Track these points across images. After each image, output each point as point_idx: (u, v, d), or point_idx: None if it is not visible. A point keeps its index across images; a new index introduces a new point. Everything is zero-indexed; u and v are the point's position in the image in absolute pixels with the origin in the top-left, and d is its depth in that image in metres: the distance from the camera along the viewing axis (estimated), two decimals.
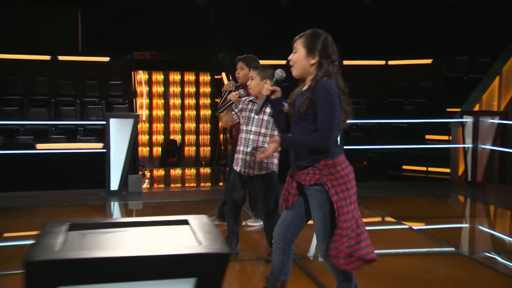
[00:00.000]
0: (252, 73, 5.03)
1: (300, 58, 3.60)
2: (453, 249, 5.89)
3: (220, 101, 6.14)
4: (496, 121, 8.38)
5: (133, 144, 8.23)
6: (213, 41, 14.78)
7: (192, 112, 16.32)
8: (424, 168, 11.34)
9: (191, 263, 1.68)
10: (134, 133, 8.05)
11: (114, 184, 7.89)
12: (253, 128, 5.01)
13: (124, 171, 7.94)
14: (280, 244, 3.83)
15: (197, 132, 16.36)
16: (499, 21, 13.15)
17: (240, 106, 5.07)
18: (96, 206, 7.47)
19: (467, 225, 7.09)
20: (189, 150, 16.45)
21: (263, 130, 4.98)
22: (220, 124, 15.60)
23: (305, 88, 3.62)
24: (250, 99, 5.07)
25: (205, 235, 1.85)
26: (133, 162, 8.97)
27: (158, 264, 1.65)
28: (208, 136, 16.37)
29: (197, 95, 16.34)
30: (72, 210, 7.32)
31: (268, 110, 4.85)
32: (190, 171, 15.14)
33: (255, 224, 6.23)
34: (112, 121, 7.86)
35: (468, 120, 8.52)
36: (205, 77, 16.26)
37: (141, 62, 14.44)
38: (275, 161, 5.07)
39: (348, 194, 3.50)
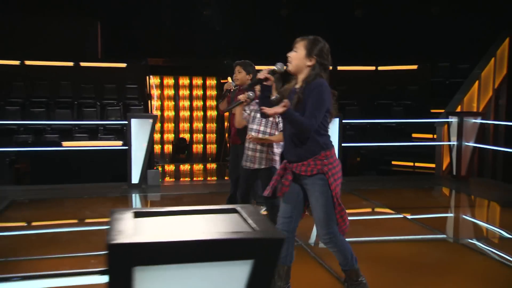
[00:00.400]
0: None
1: (298, 57, 3.63)
2: (444, 236, 5.93)
3: (220, 98, 6.18)
4: (479, 121, 8.41)
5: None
6: (218, 49, 14.82)
7: (200, 113, 16.31)
8: (411, 164, 11.39)
9: (250, 246, 1.69)
10: (152, 132, 8.05)
11: (135, 178, 7.91)
12: (255, 127, 5.01)
13: (144, 166, 7.96)
14: (285, 234, 3.82)
15: (204, 131, 16.35)
16: (478, 31, 13.18)
17: (252, 107, 5.06)
18: (120, 198, 7.47)
19: (455, 215, 7.05)
20: (197, 147, 16.45)
21: (262, 128, 4.98)
22: (226, 124, 15.66)
23: (297, 86, 3.65)
24: (257, 101, 5.10)
25: (257, 222, 1.85)
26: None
27: (221, 247, 1.66)
28: (214, 135, 16.37)
29: (204, 98, 16.34)
30: (99, 201, 7.29)
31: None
32: (198, 166, 15.14)
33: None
34: (133, 121, 7.89)
35: (453, 120, 8.54)
36: (211, 81, 16.26)
37: (154, 67, 14.44)
38: (276, 158, 5.07)
39: (340, 181, 3.62)
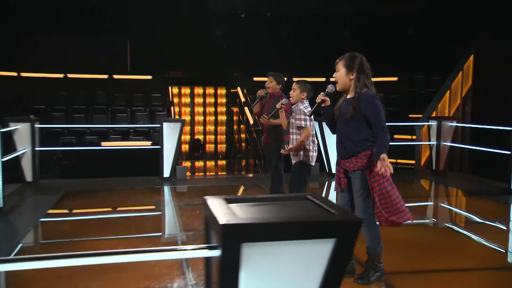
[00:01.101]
0: (294, 86, 5.03)
1: (341, 76, 3.59)
2: (434, 220, 5.98)
3: (254, 103, 6.08)
4: (454, 124, 8.42)
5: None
6: (227, 63, 14.85)
7: (212, 118, 16.27)
8: (394, 160, 11.36)
9: (334, 227, 1.69)
10: (181, 134, 8.04)
11: (166, 173, 7.91)
12: (290, 129, 5.02)
13: (173, 163, 7.95)
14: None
15: (215, 133, 16.31)
16: (447, 48, 13.25)
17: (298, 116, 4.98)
18: (155, 189, 7.42)
19: (438, 203, 7.03)
20: (210, 147, 16.41)
21: (296, 130, 4.96)
22: (235, 126, 15.74)
23: (349, 96, 3.61)
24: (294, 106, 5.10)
25: (331, 207, 1.85)
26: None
27: (310, 227, 1.67)
28: (224, 136, 16.31)
29: (215, 105, 16.32)
30: (138, 191, 7.24)
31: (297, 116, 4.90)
32: (211, 163, 15.16)
33: None
34: (165, 124, 7.91)
35: (433, 123, 8.50)
36: (221, 91, 16.24)
37: (174, 79, 14.56)
38: (310, 154, 4.99)
39: (381, 178, 3.49)
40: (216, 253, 1.67)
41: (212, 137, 16.44)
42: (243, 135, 14.24)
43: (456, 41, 13.41)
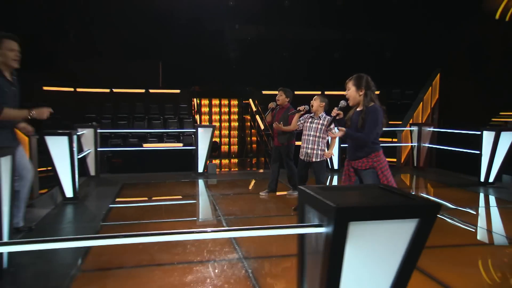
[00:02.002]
0: (315, 97, 5.16)
1: (352, 93, 3.63)
2: None
3: (266, 113, 6.05)
4: (431, 129, 8.47)
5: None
6: (239, 79, 14.90)
7: (226, 124, 16.19)
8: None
9: (419, 208, 1.68)
10: (212, 137, 8.02)
11: (200, 168, 7.89)
12: (312, 132, 5.09)
13: (206, 160, 7.95)
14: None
15: (229, 136, 16.28)
16: (418, 68, 13.31)
17: (303, 119, 5.24)
18: (192, 182, 7.41)
19: (423, 193, 6.98)
20: (224, 148, 16.42)
21: (318, 134, 5.07)
22: (247, 131, 15.75)
23: (359, 109, 3.63)
24: (311, 115, 5.18)
25: (407, 194, 1.84)
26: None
27: (401, 209, 1.67)
28: (236, 139, 16.32)
29: (229, 113, 16.31)
30: (179, 183, 7.25)
31: (321, 122, 5.07)
32: (225, 161, 15.18)
33: (294, 193, 6.10)
34: (200, 129, 7.89)
35: (415, 128, 8.54)
36: (234, 102, 16.19)
37: (197, 92, 14.52)
38: (323, 154, 5.11)
39: (388, 174, 3.58)
40: (324, 230, 1.67)
41: (226, 139, 16.40)
42: (254, 138, 14.30)
43: (425, 60, 13.49)
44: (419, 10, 14.15)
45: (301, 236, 1.90)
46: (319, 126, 5.07)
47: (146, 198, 6.21)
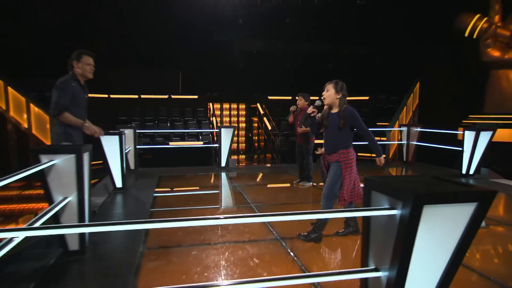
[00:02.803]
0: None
1: (330, 94, 3.52)
2: None
3: (288, 115, 6.20)
4: (418, 129, 8.48)
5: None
6: (247, 87, 14.89)
7: (235, 125, 16.26)
8: (369, 154, 11.38)
9: (479, 193, 1.66)
10: (233, 136, 7.98)
11: (223, 163, 7.88)
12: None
13: (227, 156, 7.92)
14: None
15: (238, 135, 16.29)
16: (401, 76, 13.39)
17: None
18: (216, 174, 7.40)
19: None
20: (233, 146, 16.43)
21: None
22: (254, 131, 15.73)
23: (334, 111, 3.54)
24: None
25: (459, 181, 1.82)
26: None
27: (466, 194, 1.66)
28: (244, 138, 16.34)
29: (238, 116, 16.30)
30: (206, 176, 7.23)
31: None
32: (235, 156, 15.10)
33: (306, 184, 6.10)
34: (223, 129, 7.87)
35: (404, 128, 8.53)
36: (242, 106, 16.19)
37: (211, 97, 14.46)
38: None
39: (351, 171, 3.48)
40: (397, 212, 1.67)
41: (235, 138, 16.42)
42: (261, 137, 14.30)
43: (406, 70, 13.56)
44: (402, 27, 14.20)
45: (367, 218, 1.92)
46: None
47: (182, 188, 6.20)
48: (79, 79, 3.84)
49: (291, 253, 3.41)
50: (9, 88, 8.53)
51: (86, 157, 3.13)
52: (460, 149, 7.05)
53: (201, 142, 10.82)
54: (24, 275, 2.92)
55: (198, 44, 13.90)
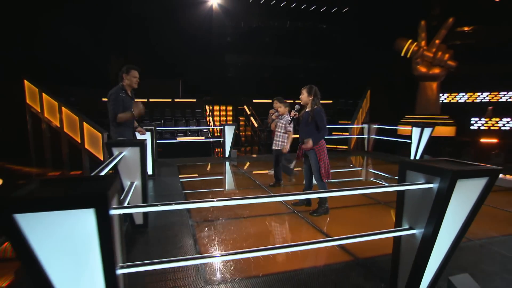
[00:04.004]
0: (280, 105, 4.84)
1: (304, 97, 3.55)
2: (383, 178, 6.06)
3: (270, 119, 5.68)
4: (376, 126, 8.73)
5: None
6: (235, 92, 14.82)
7: (224, 123, 16.17)
8: (335, 146, 11.61)
9: (490, 170, 1.73)
10: (235, 132, 7.89)
11: (226, 154, 7.80)
12: (277, 130, 4.80)
13: (230, 148, 7.85)
14: (307, 183, 3.72)
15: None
16: (356, 84, 13.78)
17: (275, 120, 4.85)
18: (222, 163, 7.28)
19: (373, 169, 6.97)
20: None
21: (281, 130, 4.76)
22: (241, 128, 15.64)
23: (307, 109, 3.58)
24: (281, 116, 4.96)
25: (468, 162, 1.86)
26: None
27: (481, 170, 1.70)
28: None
29: (226, 115, 16.20)
30: (215, 164, 7.09)
31: (281, 121, 4.72)
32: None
33: (271, 171, 5.80)
34: (226, 127, 7.77)
35: (365, 126, 8.76)
36: (229, 107, 16.11)
37: (206, 101, 14.23)
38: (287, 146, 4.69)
39: (324, 155, 3.49)
40: (433, 185, 1.72)
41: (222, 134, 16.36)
42: (248, 133, 14.28)
43: (361, 80, 13.98)
44: (357, 46, 14.63)
45: (401, 192, 1.98)
46: (281, 125, 4.80)
47: (201, 174, 6.09)
48: (126, 89, 3.78)
49: (310, 222, 3.52)
50: (44, 94, 8.06)
51: (144, 149, 3.09)
52: (409, 141, 7.40)
53: (203, 137, 10.68)
54: None
55: (194, 57, 13.71)
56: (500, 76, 14.02)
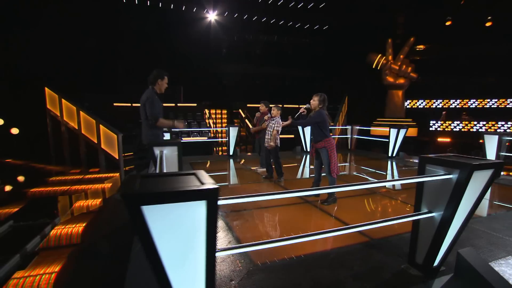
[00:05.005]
0: (274, 107, 4.77)
1: (315, 102, 3.62)
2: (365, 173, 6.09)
3: (257, 121, 5.58)
4: (358, 127, 8.89)
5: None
6: (229, 97, 14.75)
7: (219, 125, 16.03)
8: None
9: (495, 164, 1.81)
10: (239, 132, 7.88)
11: (231, 152, 7.71)
12: (269, 129, 4.72)
13: (234, 147, 7.77)
14: (317, 177, 3.77)
15: (221, 132, 16.08)
16: (335, 90, 14.05)
17: (267, 121, 4.85)
18: (226, 160, 7.15)
19: (355, 164, 6.95)
20: (224, 141, 16.14)
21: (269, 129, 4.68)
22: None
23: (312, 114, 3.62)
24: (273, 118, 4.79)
25: (476, 157, 1.96)
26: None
27: (492, 164, 1.80)
28: (224, 134, 16.12)
29: (221, 118, 16.06)
30: (219, 161, 6.94)
31: (274, 123, 4.53)
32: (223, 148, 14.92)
33: (260, 169, 5.71)
34: (231, 128, 7.68)
35: (349, 127, 8.84)
36: (224, 111, 15.97)
37: (205, 105, 14.06)
38: (278, 142, 4.64)
39: (334, 153, 3.56)
40: (452, 176, 1.82)
41: (220, 134, 16.18)
42: (242, 134, 14.24)
43: (338, 84, 14.27)
44: (336, 57, 14.92)
45: (421, 182, 2.08)
46: (271, 124, 4.70)
47: (214, 170, 5.96)
48: (157, 92, 3.74)
49: (323, 210, 3.59)
50: (63, 100, 7.79)
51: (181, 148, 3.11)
52: (387, 140, 7.65)
53: (205, 138, 10.58)
54: None
55: (194, 66, 13.55)
56: (450, 86, 14.77)
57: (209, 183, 1.29)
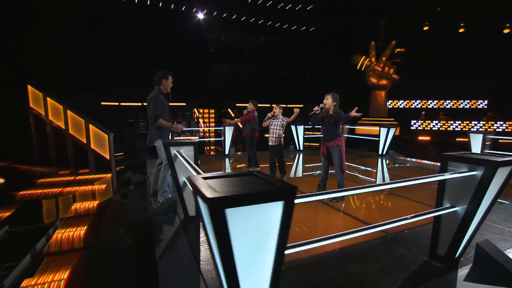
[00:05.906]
0: (276, 106, 4.84)
1: (329, 102, 3.62)
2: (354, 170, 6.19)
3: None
4: (348, 126, 9.10)
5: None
6: (217, 96, 14.61)
7: (208, 124, 15.82)
8: (308, 144, 11.43)
9: (497, 163, 1.84)
10: (234, 132, 7.71)
11: (227, 151, 7.65)
12: (273, 127, 4.78)
13: (230, 146, 7.68)
14: (324, 175, 3.78)
15: (209, 132, 15.88)
16: (322, 90, 14.27)
17: (269, 120, 4.81)
18: (222, 159, 7.06)
19: (347, 163, 6.89)
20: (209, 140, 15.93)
21: (277, 128, 4.75)
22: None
23: (330, 113, 3.61)
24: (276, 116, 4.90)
25: (492, 154, 2.08)
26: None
27: (499, 163, 1.88)
28: (213, 134, 15.96)
29: (209, 117, 15.86)
30: (220, 160, 6.87)
31: (277, 121, 4.63)
32: (213, 147, 14.73)
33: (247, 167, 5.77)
34: (226, 127, 7.62)
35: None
36: (212, 110, 15.78)
37: (194, 104, 13.84)
38: (282, 140, 4.69)
39: (344, 151, 3.64)
40: (476, 173, 1.88)
41: (209, 134, 15.99)
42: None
43: (326, 88, 14.52)
44: (322, 58, 15.17)
45: (443, 180, 2.10)
46: (278, 123, 4.78)
47: (216, 168, 5.89)
48: (163, 92, 3.66)
49: (334, 207, 3.63)
50: (48, 98, 7.36)
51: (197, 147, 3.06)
52: (373, 138, 7.88)
53: (197, 137, 10.39)
54: (169, 235, 2.74)
55: (183, 66, 13.26)
56: (428, 87, 15.50)
57: (282, 184, 1.28)
